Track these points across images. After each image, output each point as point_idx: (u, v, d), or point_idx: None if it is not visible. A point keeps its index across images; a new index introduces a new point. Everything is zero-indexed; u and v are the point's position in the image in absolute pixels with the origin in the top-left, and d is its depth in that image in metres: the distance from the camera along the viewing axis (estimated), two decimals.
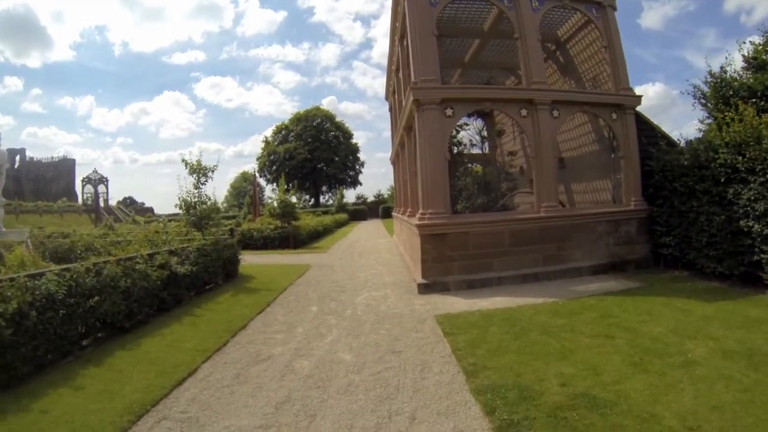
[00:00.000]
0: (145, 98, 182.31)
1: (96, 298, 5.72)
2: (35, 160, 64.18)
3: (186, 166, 10.41)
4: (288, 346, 5.59)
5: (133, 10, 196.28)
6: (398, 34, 12.90)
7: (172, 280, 7.54)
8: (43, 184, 60.43)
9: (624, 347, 4.92)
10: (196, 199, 10.49)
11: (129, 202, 67.51)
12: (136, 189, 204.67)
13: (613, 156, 11.00)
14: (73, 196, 58.36)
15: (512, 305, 7.00)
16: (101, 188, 52.19)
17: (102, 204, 50.77)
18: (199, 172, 10.47)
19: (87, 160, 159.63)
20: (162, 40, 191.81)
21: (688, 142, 9.64)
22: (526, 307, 6.82)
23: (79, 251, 11.14)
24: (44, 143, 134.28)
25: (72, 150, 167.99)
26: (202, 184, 10.60)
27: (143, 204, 68.37)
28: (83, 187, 53.38)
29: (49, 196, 52.89)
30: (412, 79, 9.05)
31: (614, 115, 10.36)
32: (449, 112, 8.88)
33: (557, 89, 11.85)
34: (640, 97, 10.59)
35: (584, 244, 9.61)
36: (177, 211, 11.16)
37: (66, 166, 65.53)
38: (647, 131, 11.03)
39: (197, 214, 10.33)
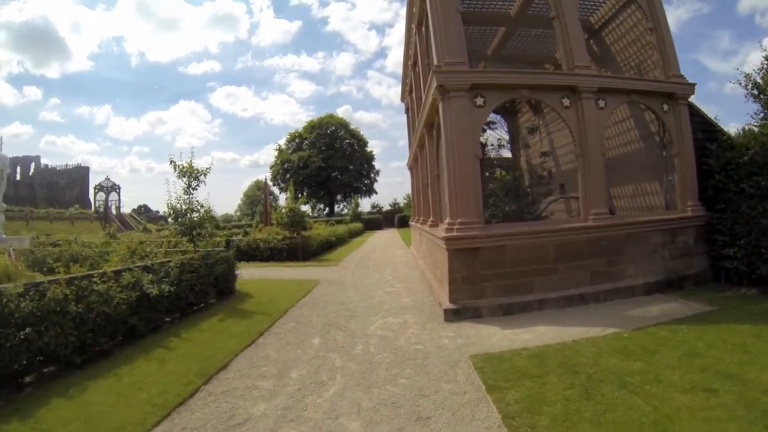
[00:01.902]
0: (162, 108, 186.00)
1: (29, 329, 4.43)
2: (49, 167, 64.56)
3: (175, 168, 9.05)
4: (275, 401, 4.16)
5: (149, 20, 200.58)
6: (416, 20, 11.57)
7: (144, 302, 6.21)
8: (56, 191, 60.67)
9: (736, 408, 3.58)
10: (186, 206, 9.15)
11: (143, 210, 67.51)
12: (151, 197, 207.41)
13: (664, 154, 9.53)
14: (86, 203, 58.42)
15: (565, 339, 5.53)
16: (113, 196, 52.34)
17: (114, 211, 50.75)
18: (190, 175, 9.09)
19: (104, 168, 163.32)
20: (178, 51, 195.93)
21: (740, 134, 8.31)
22: (584, 342, 5.35)
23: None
24: (62, 152, 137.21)
25: (89, 158, 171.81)
26: (194, 189, 9.21)
27: (158, 212, 68.30)
28: (95, 194, 53.55)
29: (63, 203, 52.98)
30: (435, 63, 7.65)
31: (665, 106, 9.00)
32: (480, 101, 7.42)
33: (603, 75, 10.34)
34: (693, 85, 9.17)
35: (637, 258, 8.14)
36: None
37: (80, 174, 65.83)
38: (703, 125, 9.58)
39: (186, 223, 9.01)
